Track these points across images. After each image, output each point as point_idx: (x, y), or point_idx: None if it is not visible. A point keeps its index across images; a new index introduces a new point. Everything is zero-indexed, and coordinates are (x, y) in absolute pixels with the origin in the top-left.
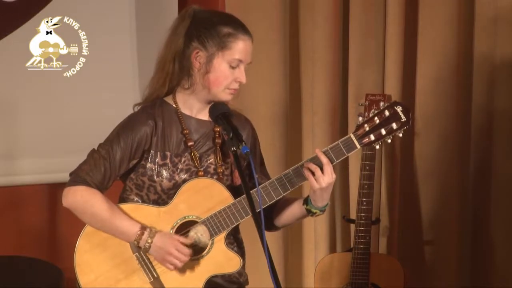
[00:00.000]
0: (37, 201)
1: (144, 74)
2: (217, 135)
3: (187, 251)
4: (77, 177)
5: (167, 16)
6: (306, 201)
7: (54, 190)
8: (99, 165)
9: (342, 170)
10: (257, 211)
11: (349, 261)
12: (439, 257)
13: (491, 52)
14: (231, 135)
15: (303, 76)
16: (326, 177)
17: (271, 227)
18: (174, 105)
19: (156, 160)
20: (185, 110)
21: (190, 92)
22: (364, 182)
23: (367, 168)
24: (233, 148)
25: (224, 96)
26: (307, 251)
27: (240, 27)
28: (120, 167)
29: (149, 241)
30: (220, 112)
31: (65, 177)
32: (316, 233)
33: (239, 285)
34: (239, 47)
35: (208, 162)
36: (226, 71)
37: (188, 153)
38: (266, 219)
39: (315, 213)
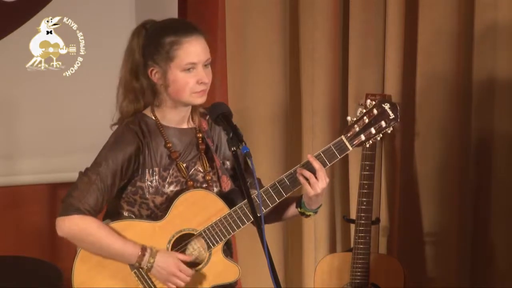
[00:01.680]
0: (37, 201)
1: None
2: (200, 141)
3: (190, 271)
4: (70, 206)
5: (167, 16)
6: (300, 204)
7: (54, 190)
8: (90, 191)
9: (342, 170)
10: (259, 215)
11: (349, 261)
12: (439, 257)
13: (491, 52)
14: (231, 135)
15: (303, 76)
16: (320, 183)
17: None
18: (153, 118)
19: (146, 178)
20: (166, 122)
21: (163, 107)
22: (364, 182)
23: (367, 168)
24: (233, 148)
25: (194, 100)
26: (307, 251)
27: (181, 30)
28: (112, 190)
29: (151, 261)
30: (220, 113)
31: (65, 177)
32: (316, 233)
33: (231, 287)
34: (186, 52)
35: (196, 170)
36: (184, 78)
37: (175, 165)
38: None
39: (309, 215)
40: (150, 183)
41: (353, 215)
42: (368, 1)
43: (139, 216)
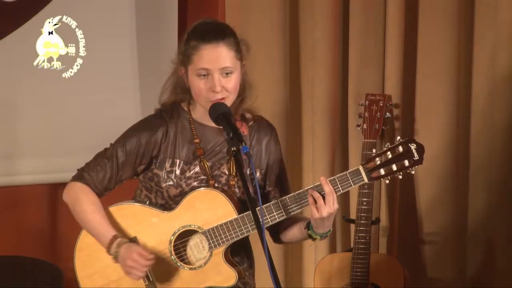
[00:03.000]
0: (37, 201)
1: (144, 74)
2: None
3: (143, 262)
4: (78, 174)
5: (167, 16)
6: (308, 226)
7: (54, 190)
8: (100, 166)
9: (342, 170)
10: (261, 223)
11: (349, 261)
12: (439, 257)
13: (491, 51)
14: (231, 135)
15: (303, 76)
16: (328, 207)
17: (277, 240)
18: (188, 113)
19: (165, 167)
20: (199, 118)
21: (195, 104)
22: None
23: None
24: (233, 148)
25: (207, 107)
26: (307, 251)
27: (203, 36)
28: (123, 171)
29: (115, 250)
30: (220, 113)
31: (65, 177)
32: None
33: None
34: (200, 58)
35: (221, 171)
36: (198, 83)
37: (198, 161)
38: (272, 232)
39: (316, 238)
40: (168, 173)
41: (353, 215)
42: (368, 1)
43: (155, 203)
